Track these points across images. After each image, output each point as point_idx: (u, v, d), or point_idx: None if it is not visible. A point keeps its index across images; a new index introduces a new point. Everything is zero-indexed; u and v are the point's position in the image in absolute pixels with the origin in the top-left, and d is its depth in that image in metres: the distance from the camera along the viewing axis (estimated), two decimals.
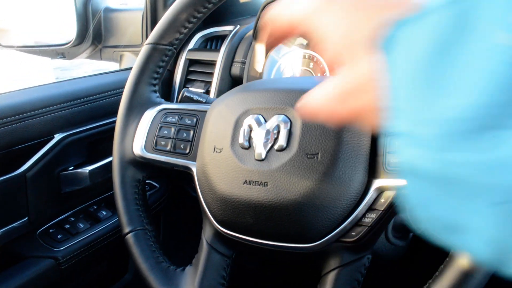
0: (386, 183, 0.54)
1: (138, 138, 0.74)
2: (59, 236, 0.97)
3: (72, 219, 1.02)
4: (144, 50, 0.76)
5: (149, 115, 0.75)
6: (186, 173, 0.71)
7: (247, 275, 1.39)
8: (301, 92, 0.58)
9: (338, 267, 0.57)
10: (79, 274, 1.02)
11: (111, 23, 1.34)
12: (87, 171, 1.00)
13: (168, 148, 0.72)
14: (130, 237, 0.73)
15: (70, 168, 1.00)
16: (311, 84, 0.59)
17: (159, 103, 0.77)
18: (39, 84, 1.01)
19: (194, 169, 0.68)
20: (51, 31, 1.41)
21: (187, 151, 0.71)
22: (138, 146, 0.74)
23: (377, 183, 0.55)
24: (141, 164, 0.75)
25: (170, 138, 0.72)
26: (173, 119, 0.74)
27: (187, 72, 1.17)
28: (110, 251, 1.06)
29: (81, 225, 1.01)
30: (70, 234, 0.98)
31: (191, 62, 1.17)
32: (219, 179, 0.61)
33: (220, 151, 0.61)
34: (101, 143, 1.04)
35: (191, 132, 0.72)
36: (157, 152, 0.73)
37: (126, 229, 0.73)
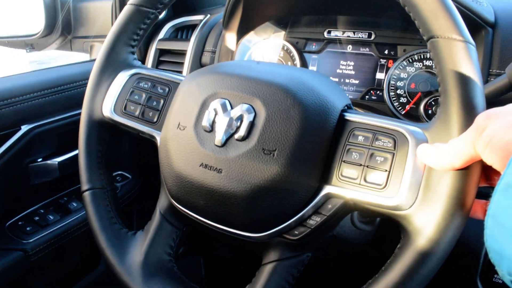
0: (336, 191, 0.55)
1: (108, 98, 0.74)
2: (28, 228, 0.96)
3: (42, 211, 1.01)
4: (125, 10, 0.74)
5: (123, 77, 0.75)
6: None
7: (223, 264, 1.40)
8: (272, 85, 0.58)
9: (276, 260, 0.59)
10: (49, 266, 1.01)
11: (81, 13, 1.32)
12: (56, 162, 0.99)
13: (137, 113, 0.72)
14: (87, 195, 0.73)
15: (39, 160, 0.99)
16: (283, 78, 0.59)
17: (135, 66, 0.77)
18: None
19: (158, 139, 0.69)
20: (19, 21, 1.38)
21: (155, 119, 0.71)
22: (108, 107, 0.74)
23: (327, 189, 0.55)
24: (108, 125, 0.75)
25: (140, 104, 0.72)
26: (146, 85, 0.73)
27: (158, 62, 1.16)
28: (81, 242, 1.06)
29: (51, 217, 1.00)
30: (40, 226, 0.97)
31: (161, 52, 1.17)
32: (177, 157, 0.61)
33: (184, 129, 0.61)
34: (70, 135, 1.03)
35: (161, 102, 0.72)
36: (126, 116, 0.73)
37: (85, 186, 0.73)
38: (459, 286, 0.82)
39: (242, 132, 0.56)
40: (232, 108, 0.59)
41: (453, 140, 0.47)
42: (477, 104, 0.47)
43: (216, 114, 0.59)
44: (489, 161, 0.42)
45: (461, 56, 0.48)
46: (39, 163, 0.98)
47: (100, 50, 0.75)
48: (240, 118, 0.57)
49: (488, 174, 0.53)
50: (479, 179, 0.48)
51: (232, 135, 0.57)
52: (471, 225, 0.51)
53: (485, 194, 0.52)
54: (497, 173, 0.52)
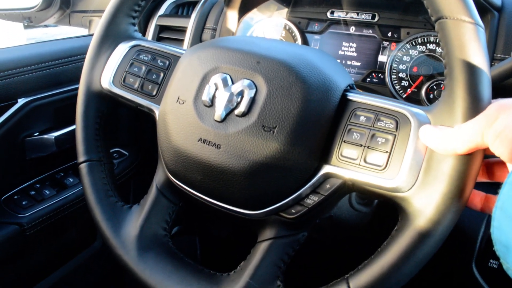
0: (335, 171, 0.54)
1: (107, 70, 0.73)
2: (24, 203, 0.95)
3: (38, 185, 1.00)
4: None
5: (122, 48, 0.74)
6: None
7: (219, 243, 1.40)
8: (274, 61, 0.57)
9: (272, 238, 0.58)
10: (45, 240, 1.01)
11: None
12: (53, 137, 0.98)
13: (136, 86, 0.71)
14: (83, 167, 0.72)
15: (35, 134, 0.98)
16: (286, 55, 0.57)
17: (135, 38, 0.76)
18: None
19: (157, 113, 0.68)
20: None
21: (154, 93, 0.70)
22: (106, 79, 0.73)
23: (326, 169, 0.54)
24: (107, 97, 0.74)
25: (139, 76, 0.71)
26: (146, 58, 0.72)
27: (158, 38, 1.15)
28: (78, 218, 1.05)
29: (47, 192, 0.99)
30: (36, 201, 0.97)
31: (161, 28, 1.15)
32: (176, 131, 0.60)
33: (183, 103, 0.60)
34: (67, 109, 1.02)
35: (161, 75, 0.71)
36: (124, 88, 0.72)
37: (81, 158, 0.73)
38: (454, 271, 0.82)
39: (242, 108, 0.56)
40: (233, 83, 0.58)
41: (460, 126, 0.46)
42: (483, 89, 0.46)
43: (216, 88, 0.58)
44: (497, 152, 0.41)
45: (470, 39, 0.47)
46: (35, 137, 0.98)
47: (100, 20, 0.74)
48: (241, 93, 0.56)
49: (491, 168, 0.53)
50: (480, 166, 0.47)
51: (232, 110, 0.56)
52: (467, 210, 0.51)
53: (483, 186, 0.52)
54: (501, 168, 0.51)
